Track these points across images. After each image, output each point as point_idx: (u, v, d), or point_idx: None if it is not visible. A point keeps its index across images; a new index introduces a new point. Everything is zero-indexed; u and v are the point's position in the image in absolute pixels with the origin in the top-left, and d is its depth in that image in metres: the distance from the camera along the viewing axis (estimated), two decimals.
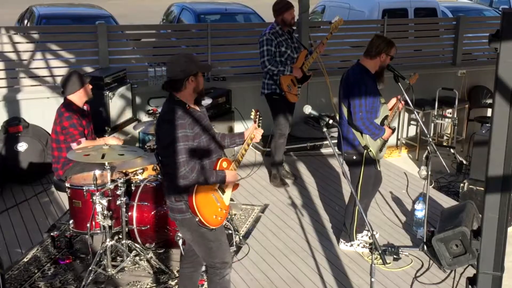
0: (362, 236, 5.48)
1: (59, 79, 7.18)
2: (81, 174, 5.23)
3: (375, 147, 5.16)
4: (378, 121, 5.15)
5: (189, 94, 3.94)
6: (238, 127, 7.87)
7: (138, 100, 7.53)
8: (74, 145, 5.27)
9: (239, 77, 8.31)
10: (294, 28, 6.81)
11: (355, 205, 5.22)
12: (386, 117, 5.24)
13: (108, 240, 4.88)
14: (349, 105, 5.08)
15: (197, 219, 3.88)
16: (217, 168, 3.99)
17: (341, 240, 5.48)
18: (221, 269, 4.07)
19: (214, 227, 3.94)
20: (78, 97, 5.44)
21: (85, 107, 5.54)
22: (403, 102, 5.33)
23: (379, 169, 5.32)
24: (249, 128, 4.23)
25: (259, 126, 4.20)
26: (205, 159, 3.93)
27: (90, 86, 5.53)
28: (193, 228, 3.96)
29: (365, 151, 5.14)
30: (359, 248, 5.40)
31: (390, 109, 5.30)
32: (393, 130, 5.32)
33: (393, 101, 5.34)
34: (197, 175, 3.83)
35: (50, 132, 5.87)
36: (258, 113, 4.21)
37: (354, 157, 5.18)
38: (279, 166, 6.82)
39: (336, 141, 5.28)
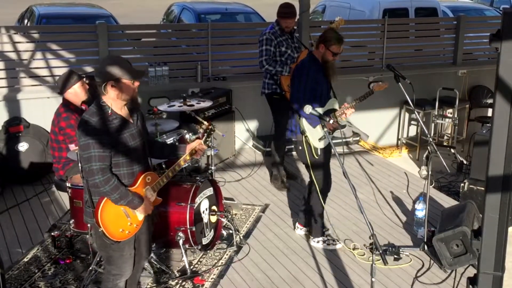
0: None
1: None
2: None
3: (314, 135, 5.06)
4: (322, 111, 5.01)
5: (113, 99, 3.69)
6: (239, 127, 7.88)
7: (138, 99, 7.51)
8: (72, 146, 5.25)
9: (240, 77, 8.30)
10: (295, 28, 6.80)
11: (316, 196, 5.24)
12: (333, 110, 5.19)
13: None
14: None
15: (100, 230, 3.75)
16: (138, 182, 3.79)
17: (312, 236, 5.48)
18: (115, 278, 3.97)
19: (118, 240, 3.79)
20: (74, 95, 5.37)
21: (83, 107, 5.52)
22: (350, 110, 5.20)
23: (316, 157, 5.13)
24: (192, 143, 3.96)
25: (205, 142, 3.91)
26: (123, 169, 3.72)
27: (87, 85, 5.45)
28: (98, 235, 3.84)
29: (303, 136, 5.10)
30: (325, 245, 5.40)
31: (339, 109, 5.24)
32: (338, 126, 4.94)
33: (344, 106, 5.23)
34: (110, 189, 3.63)
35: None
36: (210, 127, 3.89)
37: (297, 144, 5.26)
38: (280, 166, 6.82)
39: (338, 140, 5.24)
